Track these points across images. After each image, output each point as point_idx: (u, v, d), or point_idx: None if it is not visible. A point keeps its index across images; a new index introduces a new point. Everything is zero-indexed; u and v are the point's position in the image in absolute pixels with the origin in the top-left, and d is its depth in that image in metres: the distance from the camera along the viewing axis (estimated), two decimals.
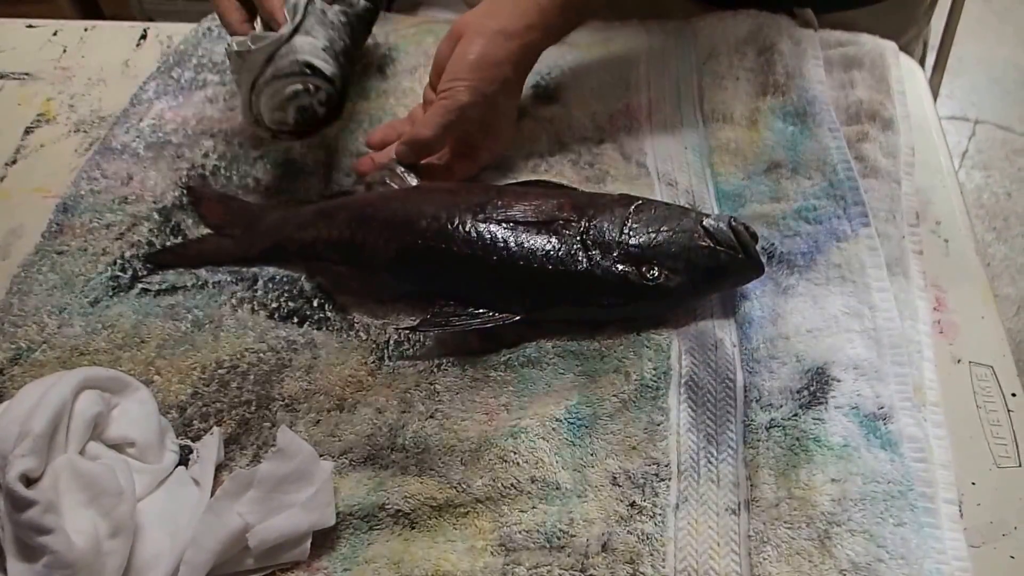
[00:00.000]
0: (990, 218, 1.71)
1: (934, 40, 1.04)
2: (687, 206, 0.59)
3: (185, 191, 0.63)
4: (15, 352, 0.53)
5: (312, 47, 0.56)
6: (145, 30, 0.80)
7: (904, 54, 0.70)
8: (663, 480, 0.46)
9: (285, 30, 0.55)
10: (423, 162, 0.60)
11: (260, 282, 0.57)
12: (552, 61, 0.70)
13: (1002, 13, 2.13)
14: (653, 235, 0.51)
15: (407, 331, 0.54)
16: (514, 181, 0.62)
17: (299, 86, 0.55)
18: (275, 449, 0.45)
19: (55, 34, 0.80)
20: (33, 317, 0.55)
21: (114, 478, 0.43)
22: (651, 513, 0.44)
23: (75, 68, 0.76)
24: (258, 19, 0.60)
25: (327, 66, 0.56)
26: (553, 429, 0.48)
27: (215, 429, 0.49)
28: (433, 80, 0.62)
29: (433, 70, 0.62)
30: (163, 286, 0.57)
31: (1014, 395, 0.50)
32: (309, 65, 0.55)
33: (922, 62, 0.82)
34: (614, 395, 0.49)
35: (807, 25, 0.69)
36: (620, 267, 0.51)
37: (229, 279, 0.58)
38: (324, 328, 0.55)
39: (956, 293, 0.55)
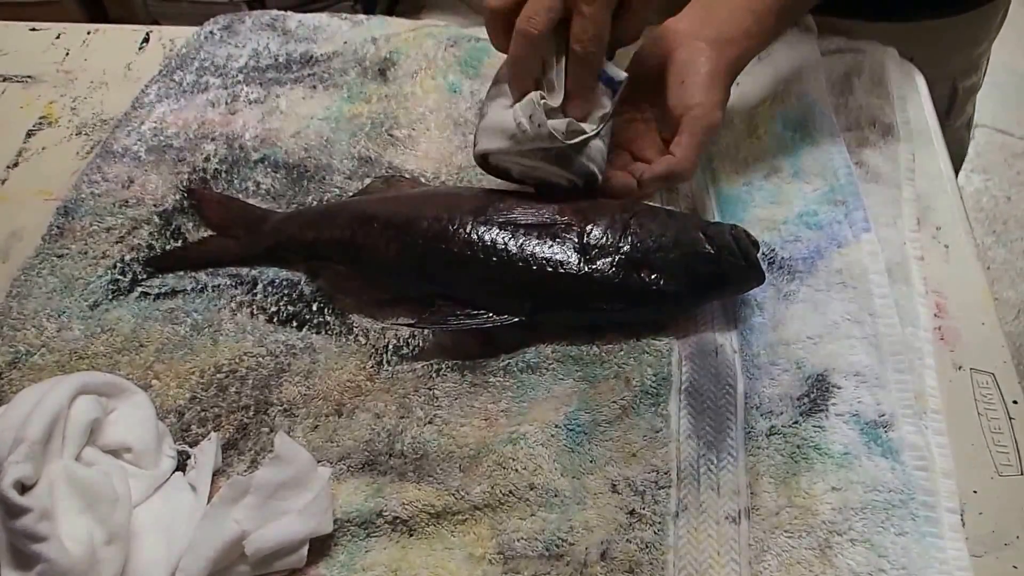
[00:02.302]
0: (989, 221, 1.71)
1: None
2: (688, 212, 0.59)
3: (187, 194, 0.63)
4: (13, 356, 0.53)
5: (601, 156, 0.54)
6: (148, 33, 0.80)
7: (905, 60, 0.70)
8: (663, 488, 0.45)
9: (592, 130, 0.52)
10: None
11: (259, 286, 0.57)
12: None
13: None
14: (654, 241, 0.51)
15: (406, 327, 0.54)
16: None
17: (565, 182, 0.54)
18: (273, 455, 0.45)
19: (58, 37, 0.80)
20: (32, 320, 0.55)
21: (110, 484, 0.43)
22: (651, 521, 0.44)
23: (77, 71, 0.76)
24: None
25: (600, 175, 0.54)
26: (552, 435, 0.48)
27: (213, 434, 0.49)
28: (650, 96, 0.56)
29: (642, 81, 0.55)
30: (162, 290, 0.57)
31: (1015, 402, 0.50)
32: (592, 175, 0.54)
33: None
34: (614, 401, 0.49)
35: (807, 31, 0.69)
36: (620, 272, 0.51)
37: (228, 283, 0.58)
38: (323, 332, 0.55)
39: (957, 299, 0.55)
